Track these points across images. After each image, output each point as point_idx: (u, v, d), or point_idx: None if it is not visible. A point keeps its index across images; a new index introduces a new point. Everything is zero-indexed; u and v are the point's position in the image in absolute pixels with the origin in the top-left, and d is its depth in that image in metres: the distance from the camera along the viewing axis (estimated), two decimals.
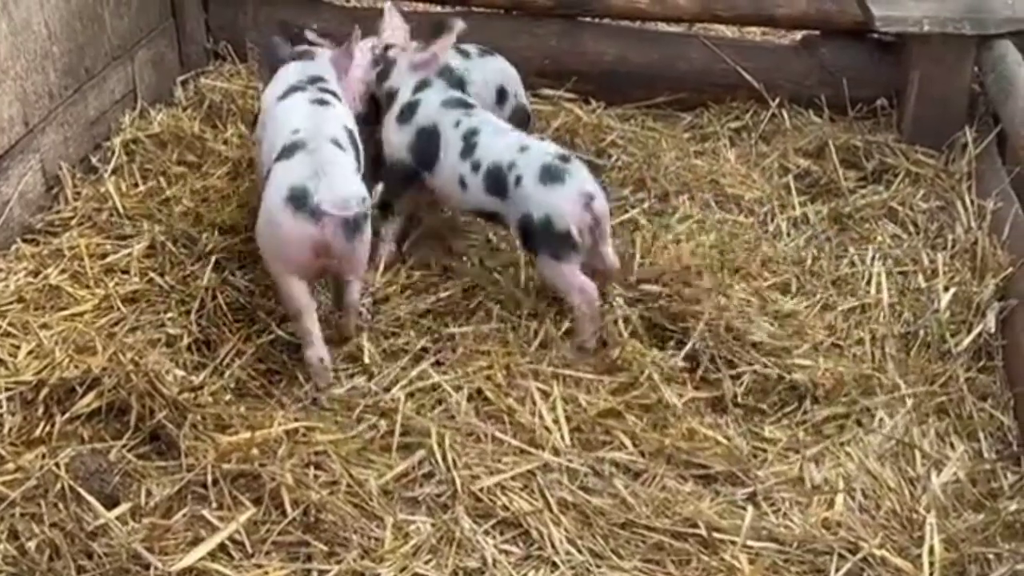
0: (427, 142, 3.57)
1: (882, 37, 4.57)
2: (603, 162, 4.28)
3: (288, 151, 3.20)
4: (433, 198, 3.71)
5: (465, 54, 4.06)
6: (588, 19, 4.82)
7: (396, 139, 3.65)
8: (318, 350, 3.19)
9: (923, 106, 4.35)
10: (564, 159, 3.39)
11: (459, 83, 3.80)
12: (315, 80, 3.55)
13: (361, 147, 3.45)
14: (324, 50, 3.73)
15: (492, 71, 4.09)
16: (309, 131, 3.26)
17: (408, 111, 3.64)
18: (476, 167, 3.46)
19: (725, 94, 4.70)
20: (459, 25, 3.72)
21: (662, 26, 5.03)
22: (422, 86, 3.67)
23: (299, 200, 3.07)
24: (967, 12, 4.24)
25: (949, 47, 4.26)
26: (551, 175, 3.33)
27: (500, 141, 3.48)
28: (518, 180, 3.37)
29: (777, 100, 4.62)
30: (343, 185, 3.13)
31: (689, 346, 3.31)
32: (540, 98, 4.63)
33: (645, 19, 4.90)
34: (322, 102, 3.44)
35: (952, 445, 3.12)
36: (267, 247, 3.23)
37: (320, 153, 3.18)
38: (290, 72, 3.61)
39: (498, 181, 3.41)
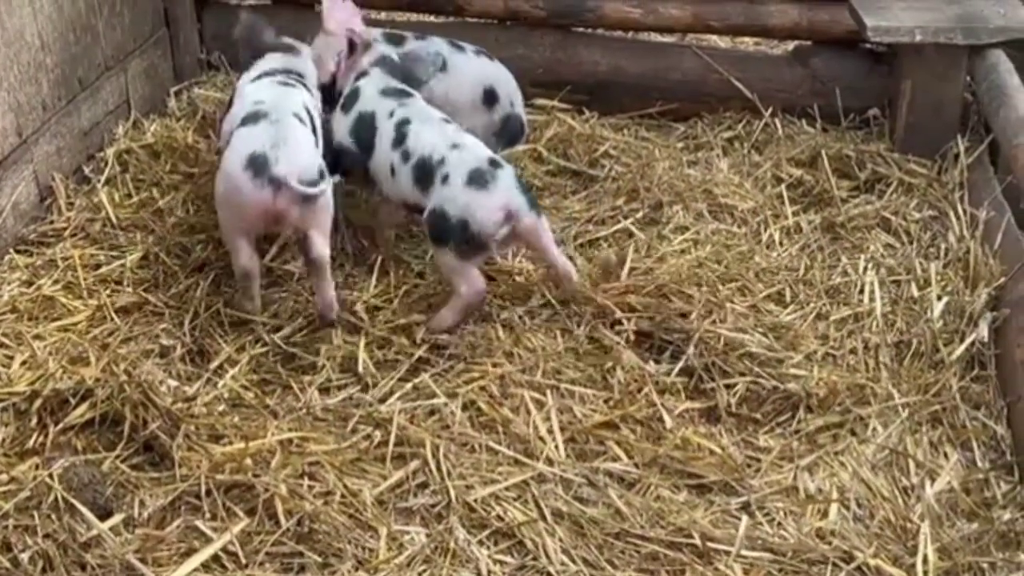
0: (365, 129, 3.64)
1: (874, 47, 4.59)
2: (596, 172, 4.28)
3: (250, 118, 3.33)
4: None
5: (459, 48, 4.17)
6: (581, 30, 4.83)
7: (338, 125, 3.73)
8: (255, 304, 3.42)
9: (915, 116, 4.36)
10: (494, 164, 3.40)
11: (404, 73, 3.81)
12: (290, 72, 3.66)
13: (319, 129, 3.55)
14: (308, 48, 3.82)
15: (476, 70, 4.12)
16: (271, 103, 3.40)
17: (349, 99, 3.74)
18: (406, 157, 3.51)
19: (718, 104, 4.71)
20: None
21: (655, 36, 5.05)
22: (361, 75, 3.76)
23: (258, 167, 3.20)
24: (959, 22, 4.25)
25: (941, 57, 4.28)
26: (478, 180, 3.35)
27: (431, 134, 3.52)
28: (445, 178, 3.40)
29: (770, 110, 4.63)
30: (302, 156, 3.26)
31: (685, 359, 3.32)
32: (534, 108, 4.63)
33: (638, 29, 4.92)
34: (286, 84, 3.57)
35: (946, 454, 3.12)
36: (221, 207, 3.36)
37: (281, 124, 3.30)
38: (268, 60, 3.71)
39: (425, 174, 3.45)
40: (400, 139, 3.54)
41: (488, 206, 3.33)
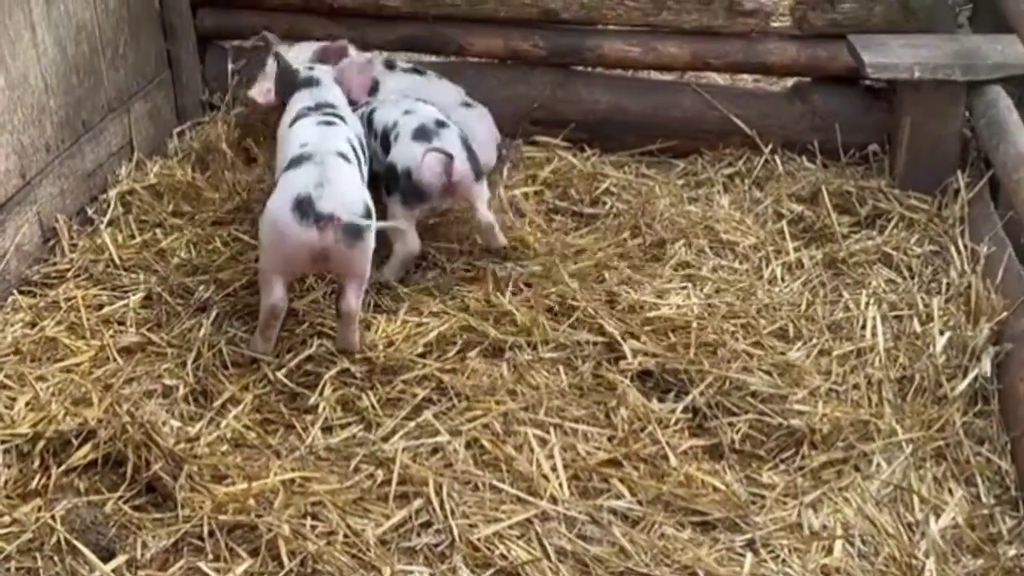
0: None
1: (873, 84, 4.61)
2: (597, 211, 4.30)
3: (295, 162, 3.42)
4: None
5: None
6: (581, 68, 4.86)
7: None
8: (269, 345, 3.46)
9: (915, 151, 4.38)
10: (440, 124, 3.84)
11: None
12: (323, 106, 3.77)
13: (365, 159, 3.71)
14: (326, 68, 3.97)
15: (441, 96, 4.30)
16: (316, 144, 3.49)
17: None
18: (375, 135, 3.96)
19: (718, 141, 4.73)
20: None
21: (655, 74, 5.08)
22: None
23: (304, 208, 3.26)
24: (957, 58, 4.27)
25: (940, 93, 4.30)
26: (423, 135, 3.79)
27: (389, 110, 3.99)
28: (397, 137, 3.85)
29: (770, 146, 4.65)
30: (347, 192, 3.35)
31: (689, 399, 3.32)
32: (535, 146, 4.67)
33: (638, 68, 4.96)
34: (329, 123, 3.67)
35: (950, 490, 3.11)
36: (266, 249, 3.40)
37: (325, 165, 3.38)
38: (300, 99, 3.83)
39: (386, 141, 3.89)
40: (369, 123, 3.99)
41: (430, 153, 3.71)
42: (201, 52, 4.89)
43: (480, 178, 3.86)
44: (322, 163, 3.38)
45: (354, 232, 3.28)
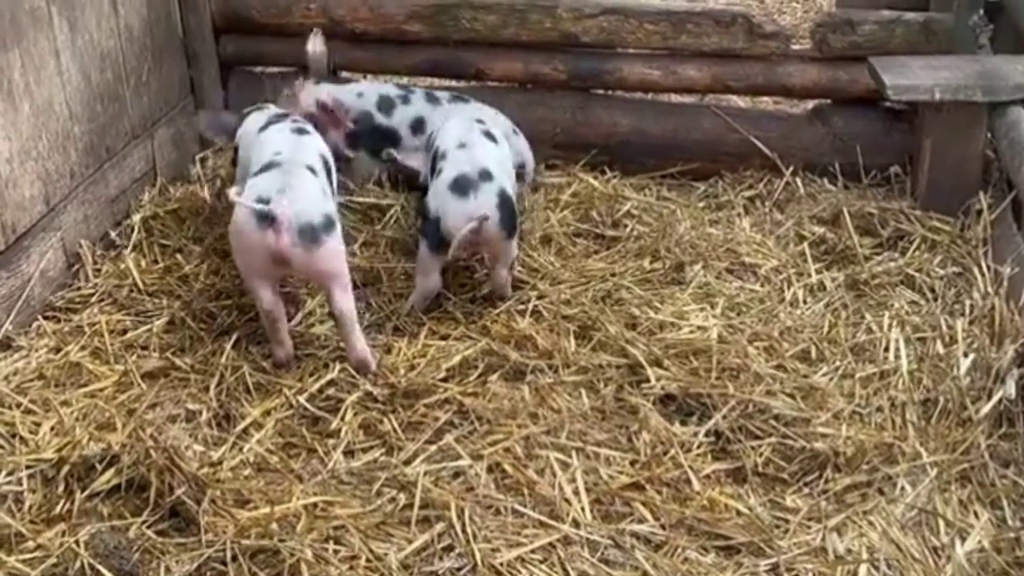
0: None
1: (894, 105, 4.61)
2: (618, 233, 4.30)
3: (265, 168, 3.49)
4: None
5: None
6: (601, 92, 4.88)
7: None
8: (285, 348, 3.52)
9: (937, 173, 4.36)
10: (485, 177, 3.67)
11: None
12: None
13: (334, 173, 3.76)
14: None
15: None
16: (287, 153, 3.56)
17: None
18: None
19: (739, 163, 4.74)
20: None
21: (675, 97, 5.09)
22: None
23: (261, 211, 3.30)
24: (978, 79, 4.26)
25: (961, 114, 4.28)
26: (460, 188, 3.66)
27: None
28: (439, 173, 3.74)
29: (791, 168, 4.65)
30: (304, 199, 3.37)
31: (712, 422, 3.31)
32: (556, 169, 4.68)
33: (658, 91, 4.96)
34: (301, 131, 3.77)
35: (975, 513, 3.09)
36: (234, 253, 3.51)
37: (291, 173, 3.44)
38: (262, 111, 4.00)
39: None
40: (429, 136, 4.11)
41: (464, 212, 3.62)
42: (224, 78, 4.93)
43: (512, 235, 3.74)
44: (288, 172, 3.45)
45: (310, 235, 3.32)
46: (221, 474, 3.10)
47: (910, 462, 3.22)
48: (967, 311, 3.82)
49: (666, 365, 3.51)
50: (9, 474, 3.05)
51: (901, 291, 3.99)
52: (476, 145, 3.83)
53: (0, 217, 3.58)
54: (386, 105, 4.45)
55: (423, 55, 4.82)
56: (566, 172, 4.68)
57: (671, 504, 3.05)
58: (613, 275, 4.00)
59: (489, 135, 3.93)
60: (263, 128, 3.80)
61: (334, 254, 3.42)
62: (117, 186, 4.25)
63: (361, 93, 4.49)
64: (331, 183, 3.65)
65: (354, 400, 3.38)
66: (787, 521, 3.04)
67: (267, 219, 3.29)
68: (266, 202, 3.30)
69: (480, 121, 4.01)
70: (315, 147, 3.71)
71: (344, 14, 4.77)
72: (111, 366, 3.55)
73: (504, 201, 3.68)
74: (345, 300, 3.45)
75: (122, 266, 3.98)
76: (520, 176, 4.24)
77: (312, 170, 3.53)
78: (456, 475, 3.14)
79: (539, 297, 3.85)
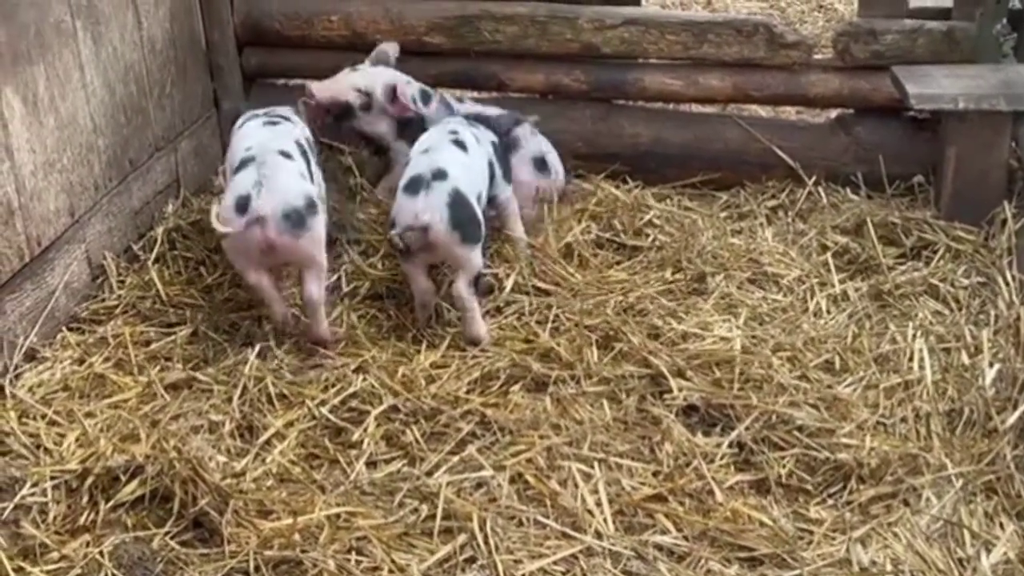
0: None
1: (917, 114, 4.59)
2: (640, 243, 4.29)
3: (242, 165, 3.62)
4: None
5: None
6: (623, 102, 4.88)
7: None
8: (278, 309, 3.68)
9: (961, 182, 4.34)
10: (438, 176, 3.64)
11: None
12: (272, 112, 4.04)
13: (314, 158, 3.89)
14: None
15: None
16: (258, 147, 3.69)
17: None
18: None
19: (761, 173, 4.73)
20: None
21: (696, 107, 5.09)
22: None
23: (243, 207, 3.47)
24: (1002, 88, 4.24)
25: (985, 123, 4.27)
26: (412, 187, 3.64)
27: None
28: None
29: (813, 178, 4.64)
30: (283, 186, 3.53)
31: (735, 433, 3.30)
32: (577, 179, 4.68)
33: (679, 101, 4.95)
34: (272, 123, 3.91)
35: (1001, 525, 3.06)
36: (224, 248, 3.70)
37: (266, 164, 3.58)
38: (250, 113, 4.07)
39: None
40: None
41: (406, 209, 3.62)
42: (247, 91, 4.95)
43: (468, 241, 3.62)
44: (263, 162, 3.58)
45: (296, 219, 3.49)
46: (244, 485, 3.10)
47: (935, 473, 3.20)
48: (992, 321, 3.80)
49: (689, 376, 3.50)
50: (34, 485, 3.06)
51: (925, 301, 3.97)
52: (440, 150, 3.80)
53: (25, 229, 3.60)
54: (425, 98, 4.46)
55: (444, 66, 4.84)
56: (588, 182, 4.67)
57: (694, 516, 3.04)
58: (636, 285, 3.99)
59: (459, 143, 3.89)
60: (240, 126, 3.93)
61: (316, 241, 3.57)
62: (141, 198, 4.27)
63: (408, 82, 4.49)
64: (310, 167, 3.77)
65: (377, 412, 3.38)
66: (811, 532, 3.03)
67: (255, 222, 3.46)
68: (246, 199, 3.48)
69: (454, 132, 3.95)
70: (289, 133, 3.85)
71: (365, 26, 4.79)
72: (135, 377, 3.57)
73: (457, 202, 3.61)
74: (315, 288, 3.60)
75: (146, 278, 4.01)
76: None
77: (286, 154, 3.68)
78: (478, 486, 3.14)
79: (560, 307, 3.85)
